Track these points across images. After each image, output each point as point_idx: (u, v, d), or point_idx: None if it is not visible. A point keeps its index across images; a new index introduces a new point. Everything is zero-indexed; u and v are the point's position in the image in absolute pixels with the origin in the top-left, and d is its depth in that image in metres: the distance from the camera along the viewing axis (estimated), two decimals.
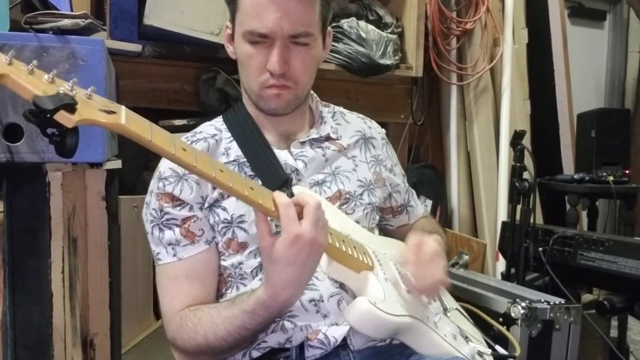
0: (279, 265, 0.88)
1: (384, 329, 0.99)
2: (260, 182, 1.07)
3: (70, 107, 0.68)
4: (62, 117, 0.67)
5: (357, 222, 1.15)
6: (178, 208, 1.06)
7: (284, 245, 0.87)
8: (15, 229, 1.21)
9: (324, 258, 1.02)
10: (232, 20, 1.10)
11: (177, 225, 1.06)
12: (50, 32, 1.16)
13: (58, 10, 1.22)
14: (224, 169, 0.85)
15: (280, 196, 0.89)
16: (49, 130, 0.69)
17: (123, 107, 0.76)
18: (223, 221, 1.07)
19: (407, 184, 1.35)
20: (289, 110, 1.12)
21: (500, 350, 1.20)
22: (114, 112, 0.73)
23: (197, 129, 1.18)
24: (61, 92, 0.68)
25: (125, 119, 0.74)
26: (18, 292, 1.21)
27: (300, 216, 0.88)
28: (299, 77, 1.07)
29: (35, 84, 0.67)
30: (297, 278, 0.90)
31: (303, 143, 1.16)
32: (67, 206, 1.26)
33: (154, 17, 1.72)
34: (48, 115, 0.66)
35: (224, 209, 1.06)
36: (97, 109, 0.72)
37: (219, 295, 1.11)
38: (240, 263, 1.08)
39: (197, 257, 1.07)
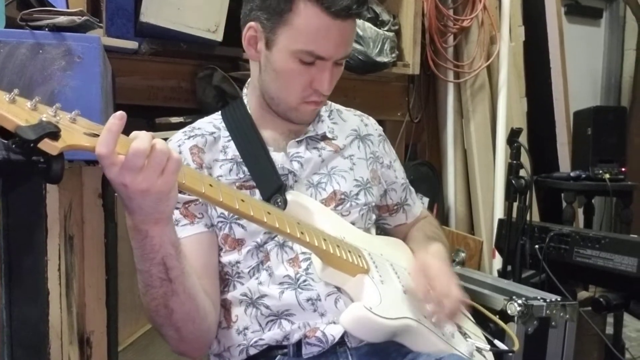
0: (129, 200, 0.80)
1: (380, 333, 1.00)
2: (255, 185, 1.08)
3: (54, 134, 0.67)
4: (46, 145, 0.67)
5: (353, 223, 1.14)
6: (180, 192, 1.05)
7: (119, 189, 0.79)
8: (11, 226, 1.20)
9: (319, 264, 1.03)
10: (272, 29, 1.05)
11: (177, 208, 1.05)
12: (46, 29, 1.15)
13: (54, 7, 1.21)
14: (213, 183, 0.86)
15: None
16: (34, 158, 0.68)
17: None
18: (219, 215, 1.06)
19: (405, 182, 1.33)
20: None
21: (500, 344, 1.20)
22: (97, 135, 0.73)
23: (195, 124, 1.17)
24: (44, 119, 0.67)
25: None
26: (14, 290, 1.21)
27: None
28: (330, 92, 1.12)
29: (17, 113, 0.66)
30: (147, 208, 0.81)
31: (299, 142, 1.15)
32: (63, 204, 1.25)
33: (150, 14, 1.71)
34: (32, 145, 0.65)
35: None
36: (81, 133, 0.72)
37: None
38: (238, 262, 1.07)
39: (194, 237, 1.05)
